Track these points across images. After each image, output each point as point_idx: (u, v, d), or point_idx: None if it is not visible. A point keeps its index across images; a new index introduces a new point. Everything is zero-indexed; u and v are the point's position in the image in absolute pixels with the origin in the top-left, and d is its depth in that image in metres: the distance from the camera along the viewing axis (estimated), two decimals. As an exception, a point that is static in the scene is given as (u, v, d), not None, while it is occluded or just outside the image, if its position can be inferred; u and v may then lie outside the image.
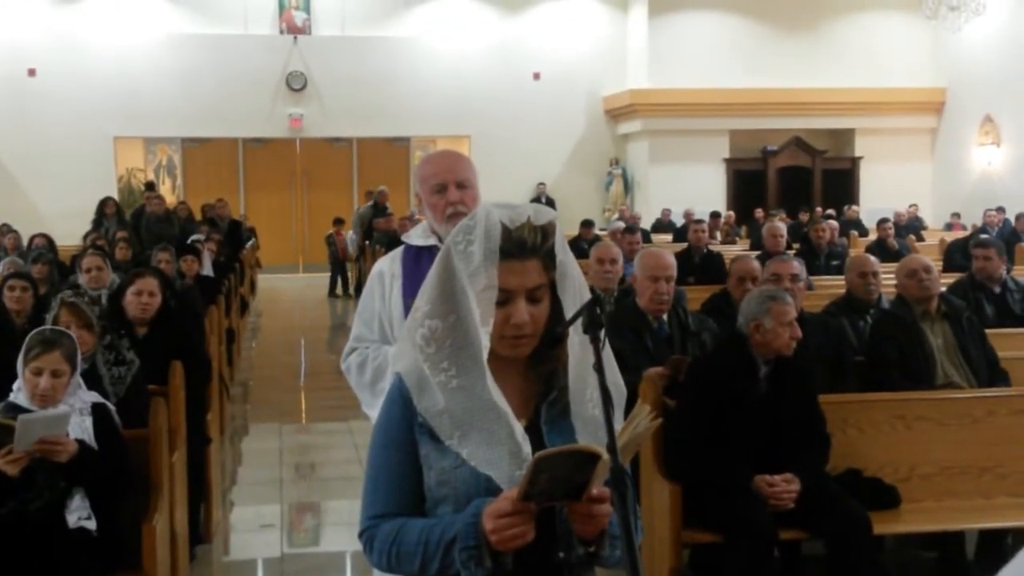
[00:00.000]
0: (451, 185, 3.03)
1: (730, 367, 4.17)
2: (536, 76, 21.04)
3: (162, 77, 19.87)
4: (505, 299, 1.85)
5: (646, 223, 17.71)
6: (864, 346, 5.38)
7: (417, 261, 3.12)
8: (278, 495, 6.35)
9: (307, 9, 20.52)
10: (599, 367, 1.74)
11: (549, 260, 1.88)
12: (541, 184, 20.78)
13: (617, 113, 20.99)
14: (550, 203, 18.60)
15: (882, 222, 12.13)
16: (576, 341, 1.86)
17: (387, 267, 3.20)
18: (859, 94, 19.74)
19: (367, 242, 16.19)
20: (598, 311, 1.77)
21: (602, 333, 1.77)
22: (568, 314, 1.86)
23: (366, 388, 3.17)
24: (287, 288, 18.59)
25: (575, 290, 1.90)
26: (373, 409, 3.11)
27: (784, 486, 4.01)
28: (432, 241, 3.13)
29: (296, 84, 20.48)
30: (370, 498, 1.91)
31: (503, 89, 20.75)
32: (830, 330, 5.13)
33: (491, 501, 1.74)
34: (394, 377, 1.96)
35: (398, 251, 3.23)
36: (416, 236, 3.19)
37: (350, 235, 18.38)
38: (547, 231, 1.88)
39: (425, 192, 3.09)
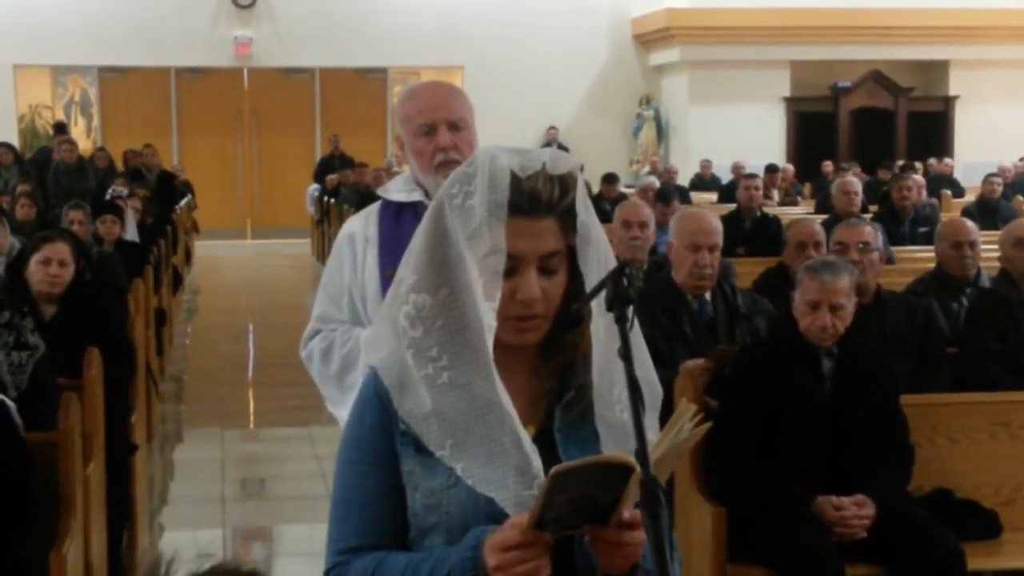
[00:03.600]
0: (442, 125, 3.03)
1: (785, 358, 4.18)
2: (547, -9, 20.96)
3: (74, -10, 19.80)
4: (511, 268, 1.84)
5: (684, 179, 17.68)
6: (958, 334, 5.38)
7: (397, 220, 3.12)
8: (219, 517, 6.38)
9: (257, -96, 20.45)
10: (626, 353, 1.73)
11: (568, 220, 1.87)
12: (552, 128, 20.73)
13: (649, 39, 20.91)
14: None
15: (989, 177, 12.11)
16: (601, 325, 1.85)
17: (359, 228, 3.20)
18: (955, 16, 19.64)
19: (332, 200, 16.21)
20: (626, 283, 1.77)
21: (630, 311, 1.76)
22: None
23: (332, 381, 3.18)
24: (232, 258, 18.61)
25: (599, 259, 1.89)
26: (341, 408, 3.13)
27: (854, 510, 4.03)
28: (417, 195, 3.12)
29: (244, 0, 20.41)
30: (339, 527, 1.90)
31: (505, 8, 20.67)
32: (915, 314, 5.13)
33: (494, 530, 1.74)
34: (367, 371, 1.95)
35: (373, 208, 3.23)
36: (396, 190, 3.19)
37: (311, 190, 18.39)
38: (567, 183, 1.87)
39: (409, 134, 3.09)
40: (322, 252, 16.86)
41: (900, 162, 16.90)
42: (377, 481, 1.88)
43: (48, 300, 5.20)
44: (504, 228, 1.82)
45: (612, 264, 1.89)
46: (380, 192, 3.25)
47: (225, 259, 18.41)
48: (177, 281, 12.92)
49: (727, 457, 4.14)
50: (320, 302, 3.23)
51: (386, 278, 3.06)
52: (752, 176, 10.39)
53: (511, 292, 1.85)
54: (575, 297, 1.88)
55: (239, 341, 11.94)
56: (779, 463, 4.09)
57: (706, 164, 18.40)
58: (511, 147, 1.88)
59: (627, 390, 1.75)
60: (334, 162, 18.19)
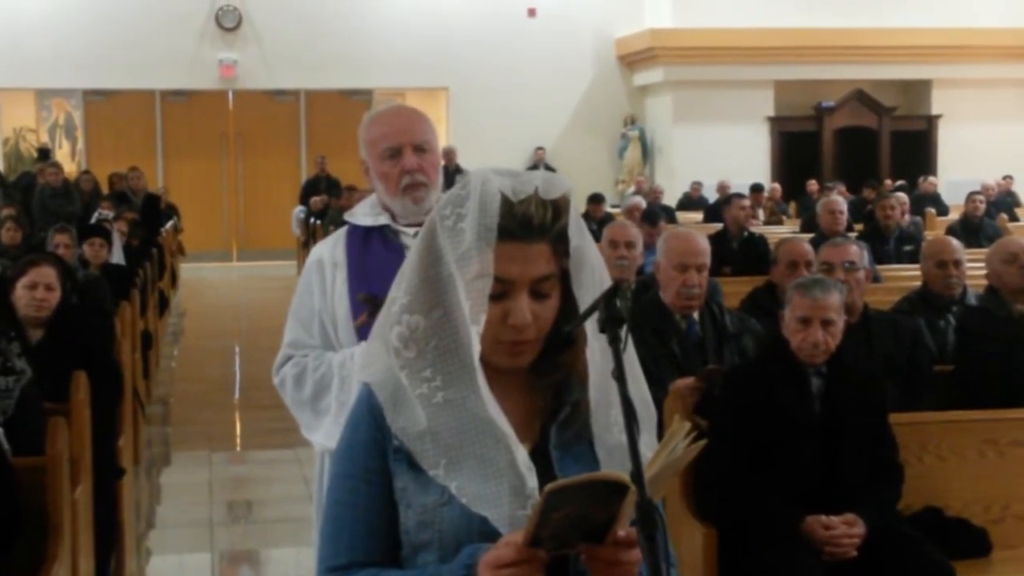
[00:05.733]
0: (407, 148, 3.07)
1: (774, 378, 4.18)
2: (531, 12, 21.02)
3: (58, 13, 19.79)
4: (502, 292, 1.85)
5: (670, 198, 17.71)
6: (944, 352, 5.40)
7: (365, 244, 3.14)
8: (207, 541, 6.35)
9: (242, -73, 20.49)
10: (620, 375, 1.74)
11: (560, 244, 1.88)
12: (540, 149, 20.77)
13: (633, 59, 20.97)
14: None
15: (972, 195, 12.16)
16: (597, 348, 1.86)
17: (327, 253, 3.22)
18: (937, 36, 19.76)
19: (318, 221, 16.19)
20: (618, 304, 1.77)
21: (623, 332, 1.76)
22: None
23: (306, 406, 3.18)
24: (217, 281, 18.58)
25: (594, 283, 1.89)
26: (316, 433, 3.13)
27: (844, 529, 4.02)
28: (383, 219, 3.15)
29: (228, 22, 20.43)
30: (331, 544, 1.90)
31: (489, 29, 20.72)
32: (902, 332, 5.15)
33: (489, 547, 1.74)
34: (361, 388, 1.95)
35: (340, 233, 3.25)
36: (362, 214, 3.21)
37: (296, 211, 18.39)
38: (559, 206, 1.87)
39: (374, 158, 3.11)
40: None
41: (895, 182, 16.95)
42: (369, 497, 1.88)
43: (35, 324, 5.18)
44: (492, 252, 1.82)
45: (608, 286, 1.89)
46: (347, 217, 3.27)
47: (211, 281, 18.38)
48: (163, 304, 12.90)
49: (717, 477, 4.13)
50: (291, 328, 3.24)
51: (356, 301, 3.07)
52: (741, 196, 10.43)
53: (503, 316, 1.85)
54: (568, 320, 1.89)
55: (225, 363, 11.90)
56: (769, 483, 4.09)
57: (697, 186, 18.39)
58: (505, 169, 1.89)
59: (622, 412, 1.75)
60: (320, 184, 18.18)
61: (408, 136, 3.07)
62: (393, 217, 3.12)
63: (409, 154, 3.05)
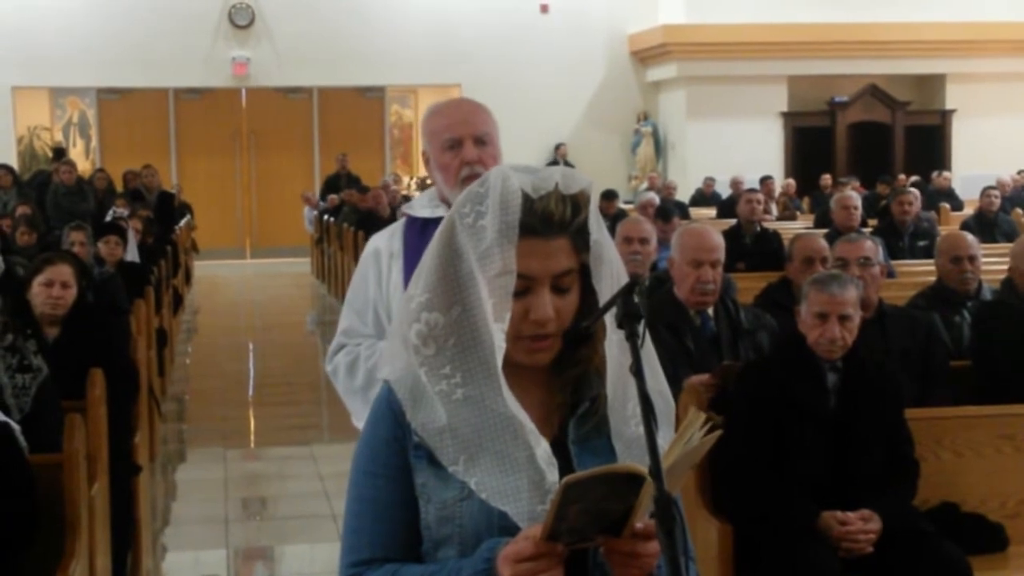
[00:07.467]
0: (467, 140, 3.08)
1: (789, 374, 4.18)
2: (544, 8, 21.03)
3: (72, 12, 19.84)
4: (524, 288, 1.85)
5: (683, 194, 17.70)
6: (959, 347, 5.39)
7: (423, 236, 3.15)
8: (223, 537, 6.38)
9: (254, -75, 20.51)
10: (638, 370, 1.74)
11: (580, 239, 1.89)
12: (561, 145, 20.76)
13: (646, 55, 20.95)
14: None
15: (987, 190, 12.12)
16: (615, 342, 1.86)
17: (384, 244, 3.24)
18: (951, 30, 19.71)
19: (332, 219, 16.22)
20: (635, 299, 1.77)
21: (641, 327, 1.77)
22: None
23: (358, 394, 3.21)
24: (231, 278, 18.62)
25: (612, 277, 1.90)
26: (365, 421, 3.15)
27: (860, 525, 4.01)
28: (441, 211, 3.16)
29: (241, 20, 20.46)
30: (352, 540, 1.91)
31: (502, 26, 20.72)
32: (918, 327, 5.13)
33: (507, 542, 1.75)
34: (382, 385, 1.96)
35: (398, 225, 3.28)
36: (420, 206, 3.24)
37: (307, 208, 18.43)
38: (579, 202, 1.88)
39: (435, 150, 3.13)
40: (322, 271, 16.86)
41: (909, 177, 16.90)
42: (390, 493, 1.89)
43: (51, 322, 5.20)
44: (515, 249, 1.83)
45: (625, 281, 1.90)
46: (405, 209, 3.31)
47: (225, 279, 18.43)
48: (177, 301, 12.93)
49: (732, 473, 4.13)
50: (345, 316, 3.27)
51: None
52: (753, 191, 10.40)
53: (524, 312, 1.86)
54: (588, 315, 1.89)
55: (240, 360, 11.93)
56: (784, 478, 4.09)
57: (710, 181, 18.36)
58: (523, 166, 1.90)
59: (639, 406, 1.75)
60: (340, 181, 18.22)
61: (469, 128, 3.09)
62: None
63: (469, 146, 3.07)
